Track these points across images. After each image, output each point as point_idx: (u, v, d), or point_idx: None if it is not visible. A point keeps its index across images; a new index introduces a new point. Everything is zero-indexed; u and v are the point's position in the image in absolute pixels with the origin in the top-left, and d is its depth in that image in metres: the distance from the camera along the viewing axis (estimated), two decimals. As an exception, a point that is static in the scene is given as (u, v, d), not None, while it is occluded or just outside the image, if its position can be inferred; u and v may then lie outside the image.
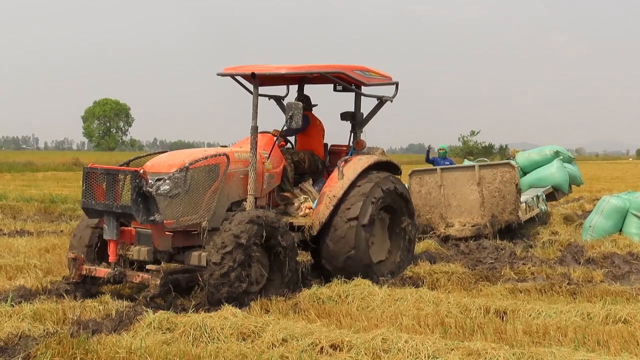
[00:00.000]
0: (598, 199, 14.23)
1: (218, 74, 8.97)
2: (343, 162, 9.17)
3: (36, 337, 6.21)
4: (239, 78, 8.98)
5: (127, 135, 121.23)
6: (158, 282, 7.39)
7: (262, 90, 9.37)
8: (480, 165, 13.17)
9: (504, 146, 68.87)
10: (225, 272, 7.25)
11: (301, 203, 9.16)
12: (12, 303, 7.28)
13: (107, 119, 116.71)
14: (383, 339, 5.87)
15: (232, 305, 7.00)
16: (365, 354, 5.74)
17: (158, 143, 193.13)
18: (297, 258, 8.29)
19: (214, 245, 7.42)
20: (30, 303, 7.27)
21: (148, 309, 6.93)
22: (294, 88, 10.12)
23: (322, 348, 5.87)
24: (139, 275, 7.71)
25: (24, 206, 17.48)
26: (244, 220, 7.56)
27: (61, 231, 13.42)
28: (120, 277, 7.72)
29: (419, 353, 5.65)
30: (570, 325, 6.70)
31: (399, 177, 9.84)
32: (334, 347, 5.89)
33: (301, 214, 9.04)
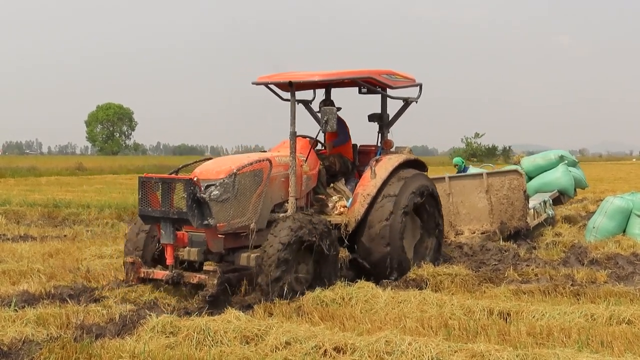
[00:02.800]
0: (601, 200, 14.23)
1: (253, 83, 9.36)
2: (374, 162, 9.61)
3: (39, 342, 6.22)
4: (271, 86, 9.39)
5: (130, 139, 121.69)
6: (215, 281, 7.72)
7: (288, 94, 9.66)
8: (488, 173, 13.29)
9: (507, 148, 68.81)
10: (282, 258, 7.72)
11: (335, 202, 9.55)
12: (16, 308, 7.29)
13: (111, 123, 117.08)
14: (386, 341, 5.88)
15: (238, 308, 7.04)
16: (369, 356, 5.74)
17: (161, 147, 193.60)
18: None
19: (273, 232, 7.95)
20: (34, 308, 7.28)
21: (151, 313, 6.95)
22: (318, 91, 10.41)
23: (325, 351, 5.87)
24: (196, 276, 8.06)
25: (28, 211, 17.52)
26: (305, 217, 8.17)
27: (65, 236, 13.43)
28: (178, 278, 8.05)
29: (423, 355, 5.65)
30: (574, 327, 6.70)
31: (425, 173, 10.24)
32: (337, 349, 5.89)
33: (336, 212, 9.42)
